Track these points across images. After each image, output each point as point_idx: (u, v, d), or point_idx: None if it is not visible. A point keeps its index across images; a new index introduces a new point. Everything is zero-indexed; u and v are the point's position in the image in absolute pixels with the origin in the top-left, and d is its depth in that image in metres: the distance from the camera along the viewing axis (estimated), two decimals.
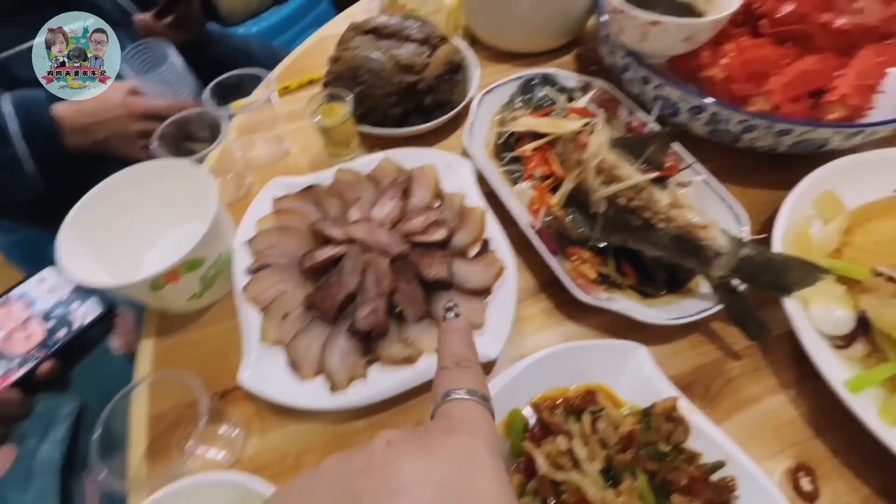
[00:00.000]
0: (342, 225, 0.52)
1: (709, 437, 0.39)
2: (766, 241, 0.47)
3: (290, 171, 0.65)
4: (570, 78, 0.66)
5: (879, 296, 0.43)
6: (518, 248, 0.51)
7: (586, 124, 0.55)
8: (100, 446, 0.37)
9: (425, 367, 0.44)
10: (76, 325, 0.49)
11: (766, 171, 0.57)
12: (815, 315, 0.43)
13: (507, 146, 0.61)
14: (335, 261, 0.50)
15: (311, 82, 0.77)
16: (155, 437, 0.45)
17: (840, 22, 0.54)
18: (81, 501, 0.59)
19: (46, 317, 0.49)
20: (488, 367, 0.46)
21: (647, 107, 0.59)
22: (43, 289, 0.51)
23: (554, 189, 0.55)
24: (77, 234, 0.48)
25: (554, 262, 0.48)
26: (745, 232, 0.49)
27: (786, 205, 0.49)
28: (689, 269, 0.48)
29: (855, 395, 0.39)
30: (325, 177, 0.58)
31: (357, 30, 0.67)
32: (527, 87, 0.66)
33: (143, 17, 0.79)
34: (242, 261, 0.51)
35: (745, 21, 0.58)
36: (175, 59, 0.73)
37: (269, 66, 0.81)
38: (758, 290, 0.45)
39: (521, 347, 0.48)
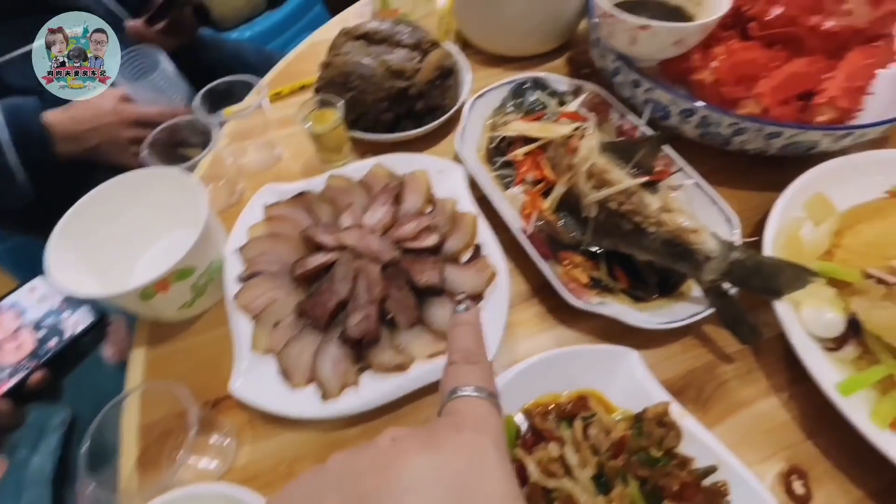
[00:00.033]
0: (333, 231, 0.52)
1: (700, 441, 0.39)
2: (757, 244, 0.47)
3: (282, 177, 0.65)
4: (561, 82, 0.66)
5: (870, 298, 0.43)
6: (510, 253, 0.51)
7: (577, 128, 0.55)
8: (88, 459, 0.37)
9: (417, 374, 0.44)
10: (67, 335, 0.49)
11: (757, 173, 0.57)
12: (806, 318, 0.43)
13: (498, 151, 0.61)
14: (326, 268, 0.50)
15: (303, 88, 0.76)
16: (146, 446, 0.45)
17: (829, 24, 0.54)
18: None
19: (37, 326, 0.49)
20: None
21: (638, 110, 0.59)
22: (34, 298, 0.50)
23: (545, 193, 0.55)
24: (67, 243, 0.48)
25: (546, 267, 0.48)
26: (736, 235, 0.49)
27: (776, 207, 0.49)
28: (681, 273, 0.48)
29: (846, 397, 0.39)
30: (316, 183, 0.58)
31: (348, 35, 0.67)
32: (518, 91, 0.65)
33: (134, 24, 0.78)
34: (234, 268, 0.51)
35: (734, 24, 0.58)
36: (166, 65, 0.73)
37: (263, 70, 0.81)
38: (749, 293, 0.45)
39: (513, 353, 0.48)
